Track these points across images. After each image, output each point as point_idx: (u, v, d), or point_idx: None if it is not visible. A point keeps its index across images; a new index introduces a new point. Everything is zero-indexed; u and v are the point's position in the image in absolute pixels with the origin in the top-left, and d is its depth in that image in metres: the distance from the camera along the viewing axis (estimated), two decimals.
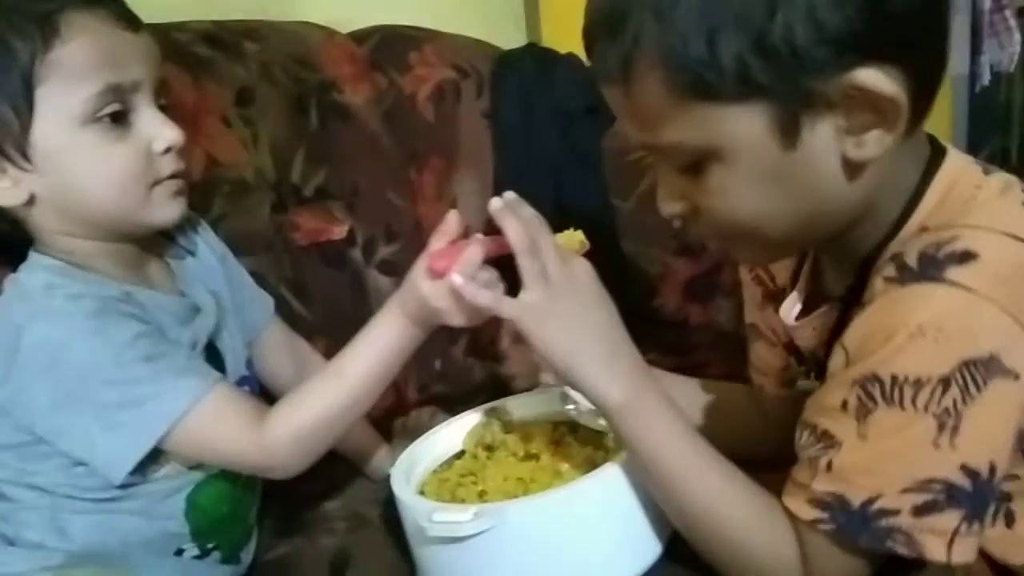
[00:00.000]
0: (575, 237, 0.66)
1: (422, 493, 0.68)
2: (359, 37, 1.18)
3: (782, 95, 0.50)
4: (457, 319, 0.65)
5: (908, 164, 0.57)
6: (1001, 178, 0.57)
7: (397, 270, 1.09)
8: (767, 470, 0.60)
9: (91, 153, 0.66)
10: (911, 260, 0.52)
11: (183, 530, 0.72)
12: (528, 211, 0.62)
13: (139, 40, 0.68)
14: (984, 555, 0.61)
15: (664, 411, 0.60)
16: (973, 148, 1.84)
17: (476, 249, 0.63)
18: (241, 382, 0.78)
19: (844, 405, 0.53)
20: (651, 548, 0.64)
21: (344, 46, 1.15)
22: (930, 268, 0.51)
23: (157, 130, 0.68)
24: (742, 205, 0.55)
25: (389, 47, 1.18)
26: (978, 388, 0.49)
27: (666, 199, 0.59)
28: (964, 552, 0.52)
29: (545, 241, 0.60)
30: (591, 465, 0.66)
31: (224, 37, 1.03)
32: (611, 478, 0.61)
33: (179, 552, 0.72)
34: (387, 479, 0.81)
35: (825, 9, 0.48)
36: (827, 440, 0.54)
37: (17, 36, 0.63)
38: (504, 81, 1.21)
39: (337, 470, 0.91)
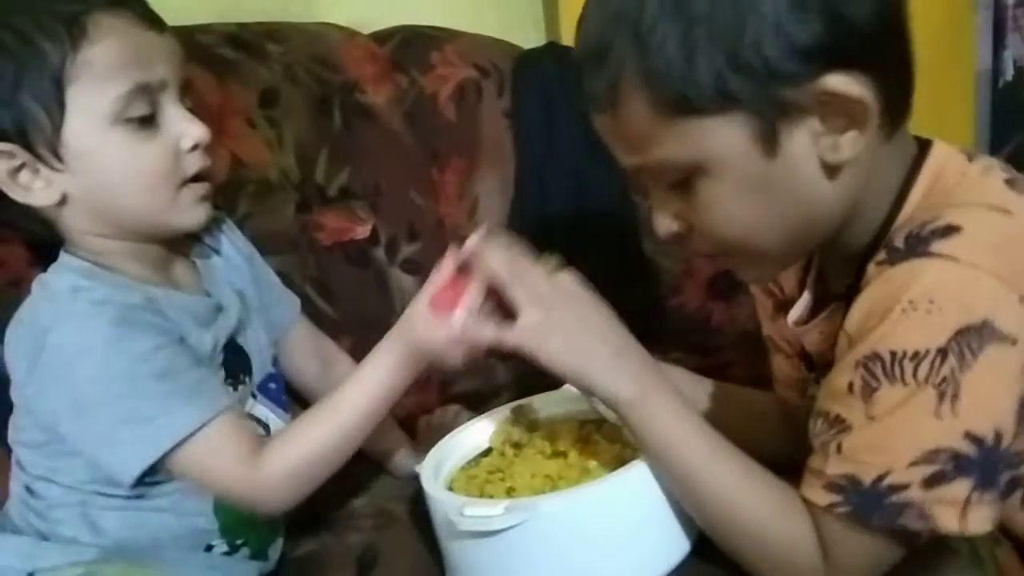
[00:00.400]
0: (551, 264, 0.67)
1: (451, 489, 0.68)
2: (380, 38, 1.19)
3: (759, 105, 0.53)
4: (453, 360, 0.66)
5: (893, 163, 0.59)
6: (983, 161, 0.59)
7: (420, 269, 1.09)
8: (793, 473, 0.59)
9: (121, 152, 0.67)
10: (899, 242, 0.54)
11: (212, 526, 0.72)
12: (503, 240, 0.64)
13: (164, 40, 0.69)
14: (1017, 545, 0.61)
15: (675, 406, 0.61)
16: (996, 143, 1.82)
17: (477, 290, 0.64)
18: (267, 380, 0.79)
19: (851, 387, 0.54)
20: (681, 544, 0.64)
21: (366, 47, 1.16)
22: (916, 245, 0.52)
23: (184, 127, 0.69)
24: (732, 217, 0.58)
25: (410, 47, 1.19)
26: (974, 355, 0.50)
27: (661, 219, 0.61)
28: (980, 521, 0.52)
29: (527, 264, 0.62)
30: (619, 462, 0.66)
31: (247, 39, 1.04)
32: (643, 474, 0.62)
33: (209, 548, 0.73)
34: (413, 476, 0.82)
35: (791, 24, 0.52)
36: (838, 424, 0.54)
37: (46, 38, 0.64)
38: (525, 80, 1.21)
39: (362, 468, 0.91)
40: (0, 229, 0.74)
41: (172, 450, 0.64)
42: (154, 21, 0.69)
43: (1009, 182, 0.57)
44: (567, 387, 0.77)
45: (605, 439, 0.70)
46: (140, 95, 0.66)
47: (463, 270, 0.66)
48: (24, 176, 0.66)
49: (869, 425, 0.53)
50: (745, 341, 1.05)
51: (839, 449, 0.54)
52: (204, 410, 0.65)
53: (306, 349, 0.88)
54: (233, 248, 0.82)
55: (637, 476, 0.62)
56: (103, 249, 0.70)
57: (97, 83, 0.65)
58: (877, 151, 0.56)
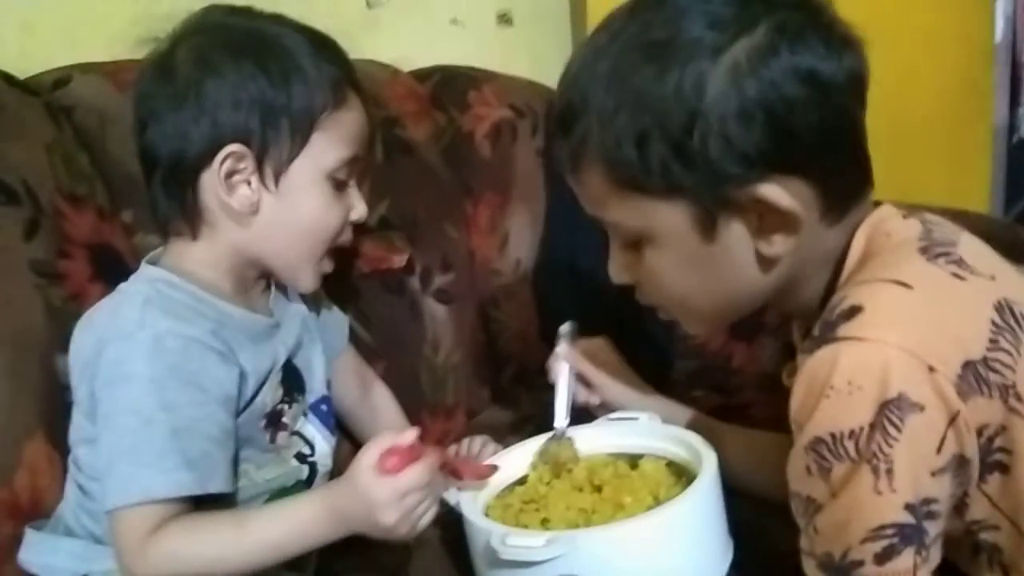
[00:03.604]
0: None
1: (486, 516, 0.70)
2: (421, 76, 1.23)
3: (701, 197, 0.58)
4: (389, 517, 0.65)
5: (837, 238, 0.62)
6: (909, 227, 0.62)
7: (451, 299, 1.13)
8: None
9: (317, 201, 0.75)
10: (816, 329, 0.57)
11: None
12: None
13: (374, 128, 0.81)
14: None
15: None
16: (1010, 199, 1.85)
17: (434, 456, 0.68)
18: (320, 401, 0.83)
19: (808, 470, 0.56)
20: None
21: (407, 84, 1.20)
22: (827, 331, 0.56)
23: (357, 203, 0.79)
24: (669, 284, 0.64)
25: (449, 86, 1.23)
26: (898, 428, 0.53)
27: (615, 270, 0.68)
28: None
29: None
30: (654, 499, 0.68)
31: None
32: (680, 513, 0.64)
33: None
34: (442, 502, 0.84)
35: (735, 128, 0.56)
36: (811, 504, 0.57)
37: (316, 86, 0.73)
38: None
39: None
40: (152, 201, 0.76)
41: (134, 507, 0.65)
42: (370, 109, 0.80)
43: (923, 250, 0.59)
44: (602, 420, 0.80)
45: (640, 475, 0.72)
46: (351, 165, 0.77)
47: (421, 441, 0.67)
48: (237, 178, 0.72)
49: (833, 502, 0.55)
50: (765, 382, 1.08)
51: (816, 529, 0.57)
52: (186, 484, 0.65)
53: (350, 375, 0.92)
54: None
55: (674, 515, 0.64)
56: (211, 262, 0.74)
57: (335, 140, 0.75)
58: (821, 233, 0.60)
